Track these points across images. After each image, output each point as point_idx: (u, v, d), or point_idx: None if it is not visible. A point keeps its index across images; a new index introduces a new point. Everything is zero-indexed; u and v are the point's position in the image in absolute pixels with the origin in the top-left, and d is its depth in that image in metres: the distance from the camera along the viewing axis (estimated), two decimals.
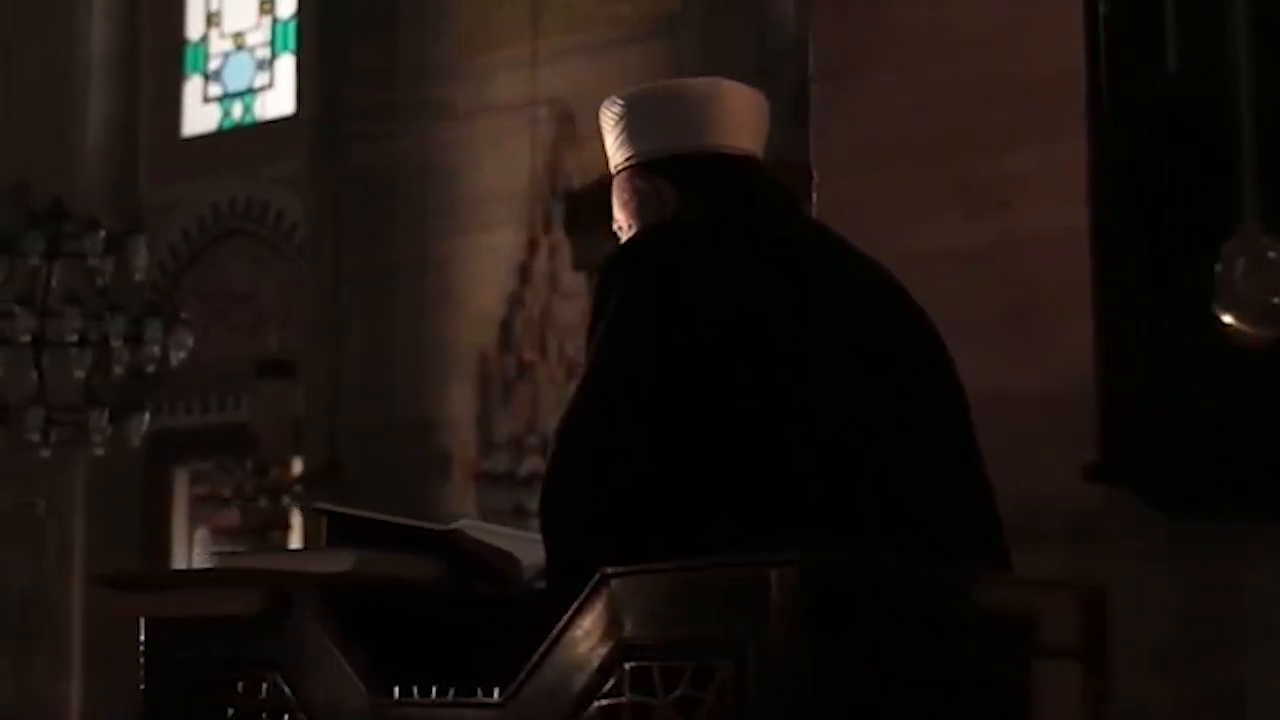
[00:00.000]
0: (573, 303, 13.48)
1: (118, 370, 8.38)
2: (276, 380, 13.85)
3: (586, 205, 12.42)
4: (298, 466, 14.07)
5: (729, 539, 2.47)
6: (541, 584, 2.88)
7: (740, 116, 2.90)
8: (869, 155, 3.53)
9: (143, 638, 2.73)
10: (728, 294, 2.63)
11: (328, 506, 2.94)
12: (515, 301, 13.80)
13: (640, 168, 2.89)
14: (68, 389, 8.80)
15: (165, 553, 15.36)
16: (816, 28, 3.58)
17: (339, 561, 2.71)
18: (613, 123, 2.93)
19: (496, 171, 13.74)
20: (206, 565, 2.79)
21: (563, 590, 2.62)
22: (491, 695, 2.50)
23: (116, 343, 8.13)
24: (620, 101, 2.93)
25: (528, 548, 2.93)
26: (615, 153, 2.93)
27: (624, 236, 2.92)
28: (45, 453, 9.04)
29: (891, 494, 2.57)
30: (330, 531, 2.92)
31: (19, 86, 15.04)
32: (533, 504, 12.11)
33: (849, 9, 3.57)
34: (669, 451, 2.56)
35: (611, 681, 2.34)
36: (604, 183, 10.36)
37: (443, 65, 14.12)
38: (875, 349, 2.69)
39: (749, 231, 2.76)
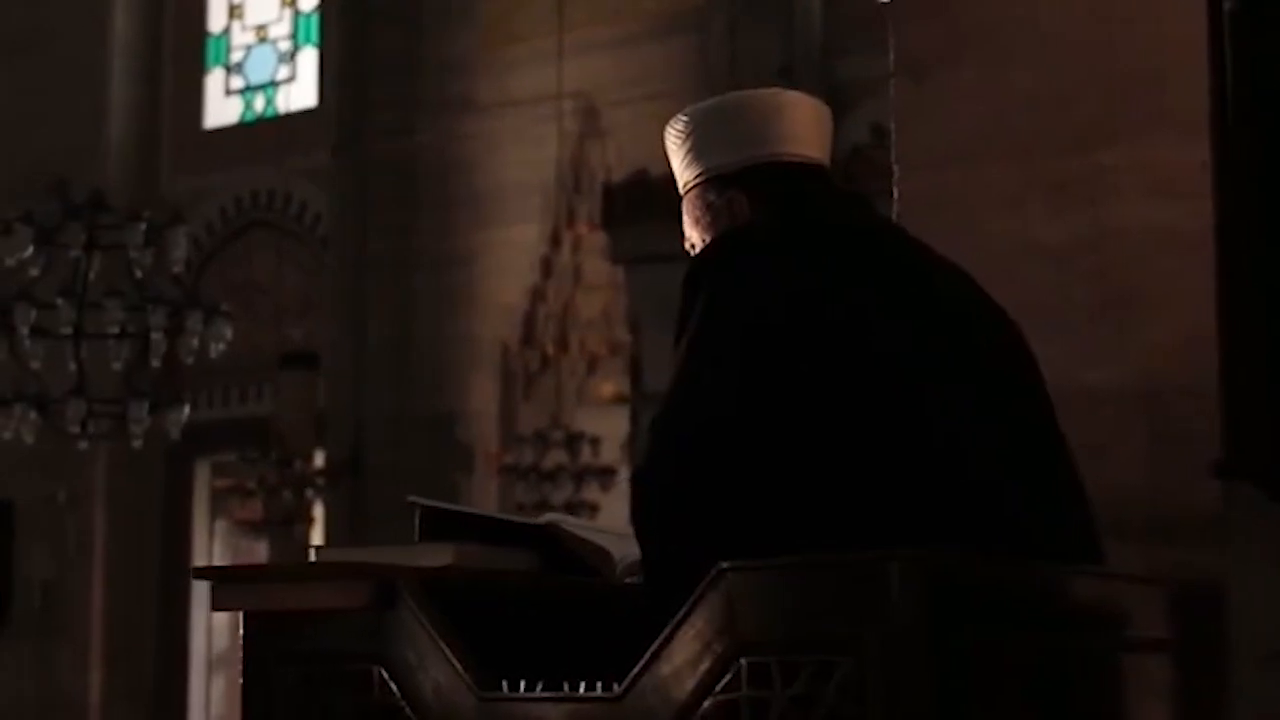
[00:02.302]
0: (595, 296, 13.50)
1: (155, 363, 8.39)
2: (299, 372, 13.85)
3: (623, 199, 12.41)
4: (320, 459, 14.08)
5: (813, 541, 2.47)
6: (633, 579, 2.87)
7: (805, 125, 2.90)
8: (951, 151, 3.51)
9: (241, 632, 2.71)
10: (808, 299, 2.64)
11: (421, 500, 2.93)
12: (537, 295, 13.81)
13: (711, 182, 2.87)
14: (103, 381, 8.80)
15: (186, 544, 15.38)
16: (897, 24, 3.56)
17: (440, 555, 2.70)
18: (679, 141, 2.91)
19: (520, 165, 13.76)
20: (313, 560, 2.77)
21: (657, 587, 2.62)
22: (577, 689, 2.49)
23: (157, 334, 8.13)
24: (684, 119, 2.92)
25: (619, 543, 2.92)
26: (684, 171, 2.92)
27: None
28: (84, 444, 9.06)
29: (972, 493, 2.56)
30: (422, 526, 2.91)
31: (42, 78, 15.05)
32: (556, 497, 12.13)
33: (930, 5, 3.55)
34: (754, 456, 2.56)
35: (728, 677, 2.32)
36: (639, 176, 10.34)
37: (466, 58, 14.14)
38: (956, 350, 2.68)
39: (827, 237, 2.77)
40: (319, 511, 13.98)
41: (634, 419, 12.92)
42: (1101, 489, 2.79)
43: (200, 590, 15.36)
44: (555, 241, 13.75)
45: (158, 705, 15.28)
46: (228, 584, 2.73)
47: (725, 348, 2.64)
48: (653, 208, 11.87)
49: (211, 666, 15.48)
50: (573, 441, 12.45)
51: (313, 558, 2.81)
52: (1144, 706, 2.74)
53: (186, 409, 8.81)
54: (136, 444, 8.73)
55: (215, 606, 2.69)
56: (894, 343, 2.62)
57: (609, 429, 12.85)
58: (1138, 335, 3.34)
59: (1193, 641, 2.73)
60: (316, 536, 14.04)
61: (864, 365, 2.58)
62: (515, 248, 13.85)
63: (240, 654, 2.71)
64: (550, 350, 13.49)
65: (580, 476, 12.35)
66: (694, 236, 2.91)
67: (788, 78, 11.96)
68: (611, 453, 12.75)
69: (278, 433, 13.60)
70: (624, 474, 12.76)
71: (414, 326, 14.13)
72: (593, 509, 12.03)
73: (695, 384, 2.64)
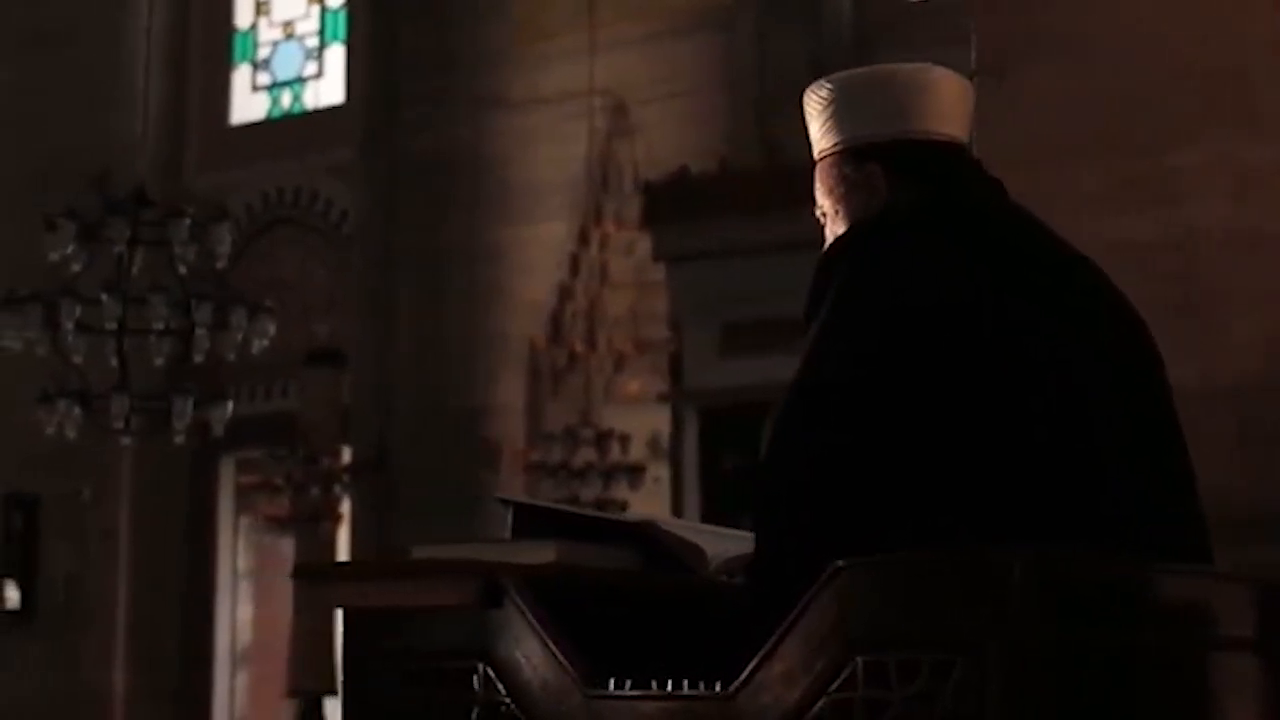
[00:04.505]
0: (623, 294, 13.49)
1: (198, 359, 8.40)
2: (326, 369, 13.86)
3: (665, 197, 12.40)
4: (347, 455, 14.09)
5: (942, 540, 2.45)
6: (727, 577, 2.87)
7: (950, 103, 2.85)
8: (1033, 150, 3.50)
9: (341, 629, 2.71)
10: (948, 289, 2.60)
11: (514, 498, 2.92)
12: (565, 293, 13.82)
13: (848, 153, 2.82)
14: (140, 377, 8.81)
15: (210, 541, 15.38)
16: (979, 22, 3.55)
17: (542, 553, 2.69)
18: (819, 108, 2.87)
19: (548, 162, 13.76)
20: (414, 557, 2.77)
21: (774, 583, 2.60)
22: (665, 686, 2.48)
23: (201, 330, 8.15)
24: (828, 85, 2.86)
25: (714, 540, 2.91)
26: (821, 138, 2.86)
27: (827, 223, 2.87)
28: (126, 440, 9.07)
29: (1084, 488, 2.55)
30: (515, 523, 2.91)
31: (68, 73, 15.05)
32: (585, 494, 12.12)
33: (1011, 3, 3.55)
34: (886, 451, 2.53)
35: (844, 675, 2.31)
36: (681, 174, 10.35)
37: (495, 54, 14.13)
38: (1082, 339, 2.65)
39: (967, 221, 2.72)
40: (345, 508, 13.99)
41: (675, 417, 12.93)
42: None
43: (224, 586, 15.38)
44: (584, 239, 13.75)
45: (181, 702, 15.29)
46: (329, 581, 2.73)
47: (857, 335, 2.60)
48: (694, 205, 11.90)
49: (236, 663, 15.49)
50: (602, 439, 12.46)
51: (415, 555, 2.80)
52: (1234, 706, 2.73)
53: (230, 405, 8.83)
54: (179, 440, 8.75)
55: (315, 604, 2.69)
56: (1021, 329, 2.59)
57: (637, 427, 12.86)
58: (1222, 334, 3.34)
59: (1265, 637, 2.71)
60: (343, 533, 14.05)
61: (989, 352, 2.55)
62: (543, 245, 13.85)
63: (341, 652, 2.71)
64: (578, 348, 13.49)
65: (609, 474, 12.36)
66: (825, 205, 2.86)
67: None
68: (639, 450, 12.76)
69: (304, 429, 13.61)
70: (652, 472, 12.78)
71: (441, 323, 14.13)
72: (622, 507, 12.03)
73: (820, 387, 2.60)
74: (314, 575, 2.72)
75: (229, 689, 15.43)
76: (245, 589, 15.57)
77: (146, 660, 15.14)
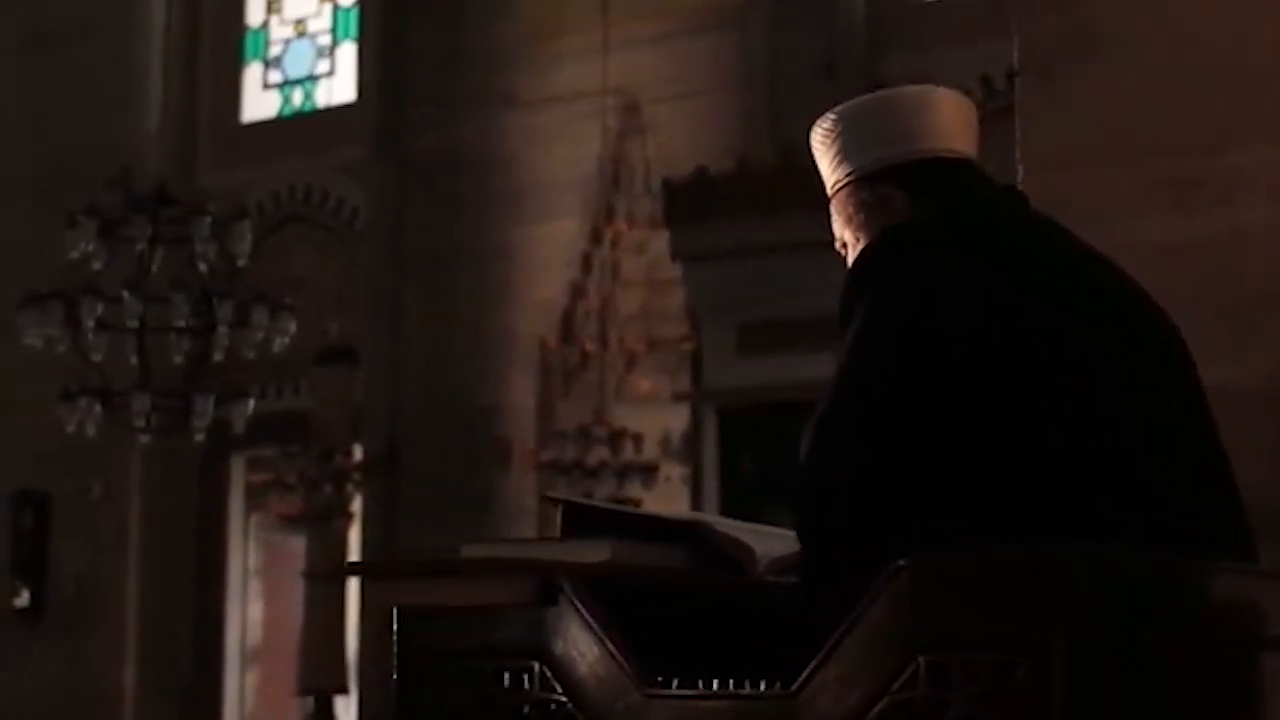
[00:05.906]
0: (634, 293, 13.50)
1: (218, 356, 8.41)
2: (338, 367, 13.85)
3: (684, 196, 12.40)
4: (359, 453, 14.09)
5: (969, 537, 2.46)
6: (776, 577, 2.87)
7: (955, 121, 2.89)
8: (1076, 150, 3.50)
9: (395, 627, 2.70)
10: (961, 304, 2.63)
11: (564, 497, 2.92)
12: (577, 291, 13.82)
13: (862, 180, 2.85)
14: (160, 374, 8.81)
15: (221, 540, 15.38)
16: (1022, 21, 3.55)
17: (596, 551, 2.69)
18: (827, 141, 2.89)
19: (560, 161, 13.76)
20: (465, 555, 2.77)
21: (818, 586, 2.62)
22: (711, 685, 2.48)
23: (223, 328, 8.15)
24: (832, 118, 2.90)
25: (763, 540, 2.92)
26: (833, 171, 2.89)
27: (849, 253, 2.90)
28: (146, 438, 9.07)
29: (1140, 500, 2.55)
30: (565, 522, 2.91)
31: (79, 71, 15.04)
32: (599, 493, 12.15)
33: (1055, 2, 3.55)
34: (902, 463, 2.55)
35: (906, 675, 2.31)
36: (700, 174, 10.35)
37: (507, 53, 14.12)
38: (1110, 342, 2.67)
39: (980, 231, 2.76)
40: (357, 505, 13.98)
41: (694, 416, 12.94)
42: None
43: (235, 585, 15.38)
44: (596, 238, 13.75)
45: (191, 700, 15.29)
46: (384, 579, 2.72)
47: (877, 355, 2.64)
48: (712, 205, 11.91)
49: (246, 661, 15.49)
50: (615, 438, 12.47)
51: (465, 554, 2.80)
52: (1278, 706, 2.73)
53: (251, 403, 8.83)
54: (199, 438, 8.75)
55: (370, 602, 2.68)
56: (1034, 332, 2.61)
57: (649, 426, 12.87)
58: (1262, 335, 3.34)
59: None
60: (354, 531, 14.05)
61: (1002, 358, 2.58)
62: (554, 244, 13.85)
63: (395, 649, 2.71)
64: (590, 347, 13.50)
65: (623, 473, 12.37)
66: (845, 235, 2.90)
67: (831, 75, 11.95)
68: (652, 449, 12.77)
69: (316, 427, 13.60)
70: (665, 471, 12.78)
71: (451, 322, 14.12)
72: (636, 505, 12.03)
73: (853, 384, 2.64)
74: (369, 572, 2.71)
75: (239, 687, 15.43)
76: (255, 587, 15.57)
77: (156, 658, 15.14)
